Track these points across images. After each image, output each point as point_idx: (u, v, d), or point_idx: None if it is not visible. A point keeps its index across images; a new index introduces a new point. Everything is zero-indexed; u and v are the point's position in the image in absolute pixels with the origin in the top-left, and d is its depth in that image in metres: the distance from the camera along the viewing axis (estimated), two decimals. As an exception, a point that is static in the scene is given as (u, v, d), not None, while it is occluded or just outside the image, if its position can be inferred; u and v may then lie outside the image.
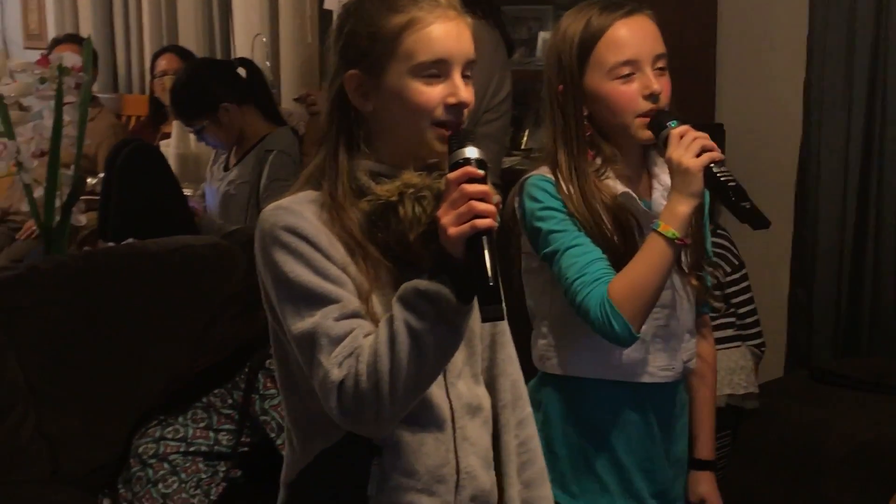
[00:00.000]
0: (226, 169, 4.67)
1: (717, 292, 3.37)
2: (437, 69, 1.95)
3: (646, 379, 2.47)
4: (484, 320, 1.87)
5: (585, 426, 2.51)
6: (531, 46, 5.13)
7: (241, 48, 5.97)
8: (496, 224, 1.82)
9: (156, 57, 5.89)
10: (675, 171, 2.31)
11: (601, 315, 2.32)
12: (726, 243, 3.84)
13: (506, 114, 4.18)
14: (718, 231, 3.82)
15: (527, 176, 2.47)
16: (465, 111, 1.96)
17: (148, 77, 6.16)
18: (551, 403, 2.52)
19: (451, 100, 1.94)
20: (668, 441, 2.55)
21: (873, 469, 3.45)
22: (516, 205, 2.48)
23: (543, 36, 4.99)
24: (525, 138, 5.16)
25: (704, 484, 2.63)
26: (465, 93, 1.96)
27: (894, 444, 3.42)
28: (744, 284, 3.88)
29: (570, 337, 2.48)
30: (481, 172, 1.83)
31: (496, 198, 1.84)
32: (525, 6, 4.77)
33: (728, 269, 3.77)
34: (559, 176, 2.42)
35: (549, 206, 2.41)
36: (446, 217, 1.82)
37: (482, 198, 1.80)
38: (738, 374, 3.69)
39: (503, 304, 1.85)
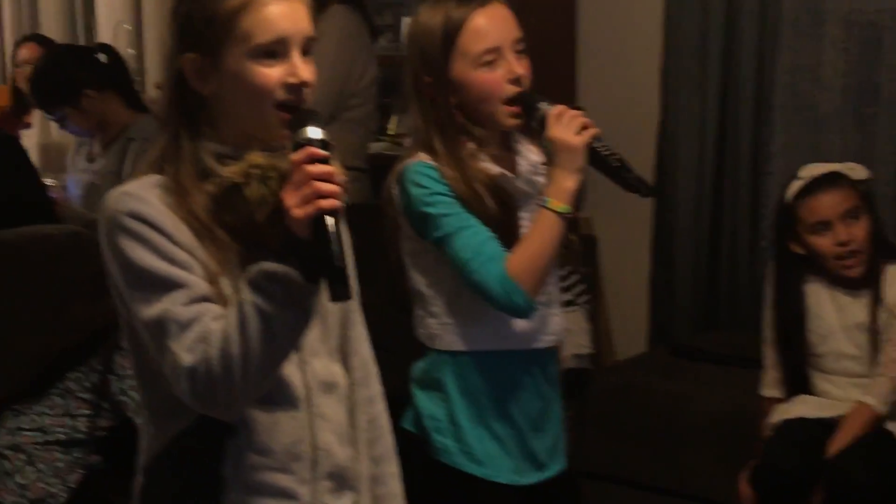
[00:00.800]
0: (90, 160, 4.59)
1: None
2: (275, 49, 1.93)
3: (540, 344, 2.57)
4: (332, 300, 1.88)
5: (485, 396, 2.57)
6: (396, 31, 5.16)
7: (104, 36, 5.91)
8: (342, 204, 1.82)
9: (16, 46, 5.79)
10: (559, 149, 2.40)
11: (502, 291, 2.40)
12: None
13: (371, 99, 4.20)
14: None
15: (405, 163, 2.52)
16: (307, 90, 1.96)
17: (10, 67, 6.06)
18: (449, 379, 2.58)
19: (291, 79, 1.93)
20: (553, 398, 2.66)
21: (730, 439, 3.55)
22: (395, 192, 2.52)
23: (407, 21, 5.02)
24: (393, 124, 5.19)
25: None
26: (305, 72, 1.95)
27: (750, 416, 3.48)
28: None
29: (465, 313, 2.53)
30: (325, 153, 1.83)
31: (342, 178, 1.85)
32: None
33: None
34: (439, 162, 2.48)
35: (435, 191, 2.46)
36: (291, 198, 1.82)
37: (326, 178, 1.81)
38: (578, 335, 3.80)
39: (350, 284, 1.87)
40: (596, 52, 4.65)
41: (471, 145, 2.51)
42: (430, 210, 2.47)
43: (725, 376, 3.81)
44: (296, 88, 1.94)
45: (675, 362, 4.07)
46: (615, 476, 3.81)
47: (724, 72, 4.25)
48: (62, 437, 3.14)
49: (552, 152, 2.44)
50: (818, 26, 4.06)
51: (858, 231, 3.28)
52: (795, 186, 3.37)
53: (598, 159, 2.40)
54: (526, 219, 2.53)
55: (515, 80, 2.46)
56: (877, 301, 3.32)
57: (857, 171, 3.38)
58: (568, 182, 2.40)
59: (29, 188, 4.11)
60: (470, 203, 2.46)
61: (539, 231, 2.43)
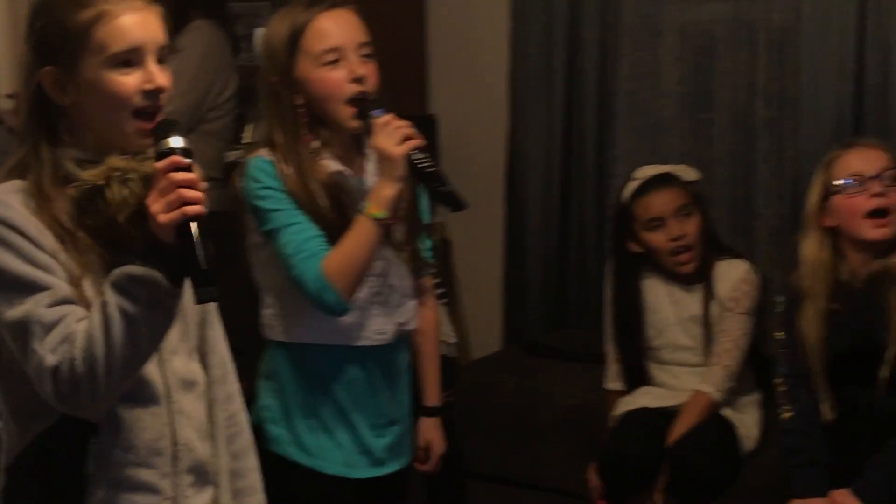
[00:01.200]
0: None
1: None
2: (130, 58, 1.96)
3: (363, 342, 2.60)
4: (198, 302, 1.92)
5: (316, 389, 2.62)
6: (250, 42, 5.18)
7: None
8: (204, 210, 1.86)
9: None
10: (381, 157, 2.48)
11: (316, 288, 2.46)
12: None
13: (230, 112, 4.21)
14: None
15: (248, 157, 2.58)
16: (163, 95, 1.98)
17: None
18: (283, 370, 2.63)
19: (148, 86, 1.96)
20: (393, 396, 2.70)
21: (580, 431, 3.62)
22: (240, 186, 2.57)
23: (260, 31, 5.04)
24: (248, 132, 5.20)
25: (431, 429, 2.84)
26: (161, 78, 1.98)
27: (599, 409, 3.58)
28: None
29: (294, 306, 2.58)
30: (188, 161, 1.87)
31: (203, 185, 1.89)
32: (244, 3, 4.82)
33: None
34: (277, 158, 2.53)
35: (268, 185, 2.52)
36: (156, 205, 1.84)
37: (190, 185, 1.84)
38: (445, 325, 3.82)
39: (215, 287, 1.89)
40: (446, 62, 4.69)
41: (314, 144, 2.57)
42: (262, 204, 2.52)
43: (576, 372, 3.87)
44: (152, 94, 1.97)
45: (528, 360, 4.12)
46: (471, 471, 3.81)
47: (569, 81, 4.30)
48: None
49: (377, 160, 2.52)
50: (655, 37, 4.14)
51: (690, 227, 3.40)
52: (631, 187, 3.49)
53: (416, 171, 2.47)
54: None
55: (357, 80, 2.52)
56: (709, 295, 3.43)
57: (687, 172, 3.52)
58: (387, 190, 2.46)
59: None
60: (301, 199, 2.51)
61: (355, 235, 2.48)
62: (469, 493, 3.81)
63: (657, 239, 3.43)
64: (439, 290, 3.99)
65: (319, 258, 2.48)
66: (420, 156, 2.47)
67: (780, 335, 3.20)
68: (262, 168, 2.54)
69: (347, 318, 2.58)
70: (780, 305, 3.23)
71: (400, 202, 2.54)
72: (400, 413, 2.73)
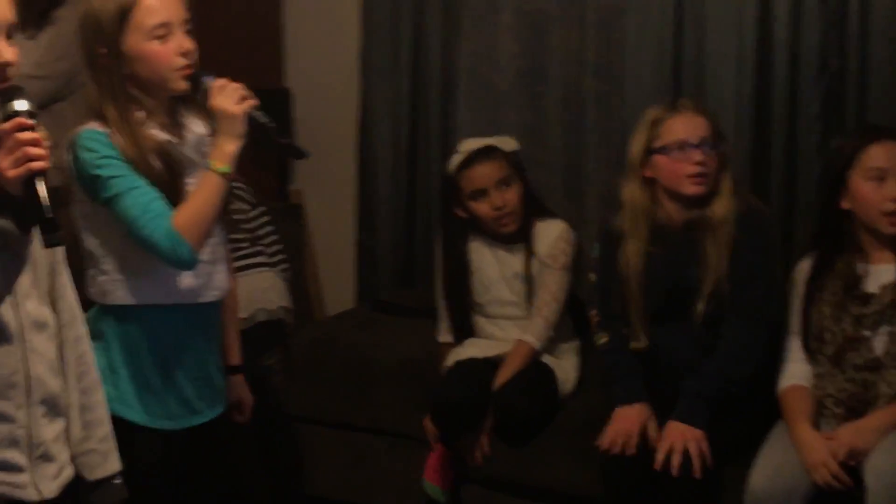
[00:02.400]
0: None
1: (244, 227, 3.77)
2: None
3: (205, 299, 2.72)
4: (46, 246, 2.05)
5: (144, 348, 2.69)
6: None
7: None
8: (48, 165, 1.98)
9: None
10: (221, 116, 2.56)
11: (169, 244, 2.53)
12: (241, 185, 4.08)
13: None
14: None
15: (76, 131, 2.61)
16: (11, 69, 2.05)
17: None
18: (111, 332, 2.68)
19: None
20: (210, 350, 2.80)
21: (418, 380, 3.76)
22: (68, 158, 2.60)
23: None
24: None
25: (240, 387, 2.97)
26: (8, 53, 2.05)
27: (434, 359, 3.74)
28: (263, 220, 4.14)
29: (135, 270, 2.65)
30: (32, 122, 1.98)
31: (47, 143, 2.00)
32: None
33: (248, 209, 4.08)
34: (110, 129, 2.58)
35: (105, 154, 2.56)
36: (4, 161, 1.96)
37: (34, 144, 1.96)
38: (269, 292, 3.95)
39: (60, 232, 2.01)
40: (300, 37, 4.74)
41: (140, 114, 2.62)
42: (101, 172, 2.56)
43: (417, 327, 3.98)
44: None
45: (375, 316, 4.23)
46: (321, 419, 3.93)
47: (415, 57, 4.40)
48: None
49: (216, 120, 2.59)
50: (494, 15, 4.22)
51: (511, 196, 3.56)
52: (456, 160, 3.63)
53: (257, 126, 2.58)
54: (191, 184, 2.63)
55: (185, 54, 2.60)
56: (529, 253, 3.60)
57: (507, 143, 3.67)
58: (229, 146, 2.56)
59: None
60: (138, 166, 2.57)
61: (202, 190, 2.57)
62: (316, 439, 3.93)
63: (481, 208, 3.58)
64: (279, 258, 4.10)
65: (167, 217, 2.53)
66: (258, 113, 2.57)
67: (593, 277, 3.44)
68: (97, 138, 2.57)
69: (194, 277, 2.66)
70: (595, 250, 3.44)
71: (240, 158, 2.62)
72: (215, 366, 2.82)
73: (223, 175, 2.57)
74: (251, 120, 2.58)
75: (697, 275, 3.25)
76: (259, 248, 4.08)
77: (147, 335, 2.71)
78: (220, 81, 2.59)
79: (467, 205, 3.62)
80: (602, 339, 3.39)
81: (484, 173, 3.58)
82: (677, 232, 3.30)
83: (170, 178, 2.61)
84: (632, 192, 3.31)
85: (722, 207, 3.23)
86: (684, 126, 3.24)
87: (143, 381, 2.72)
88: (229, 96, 2.57)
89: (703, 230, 3.25)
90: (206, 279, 2.71)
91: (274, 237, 4.18)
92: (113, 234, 2.63)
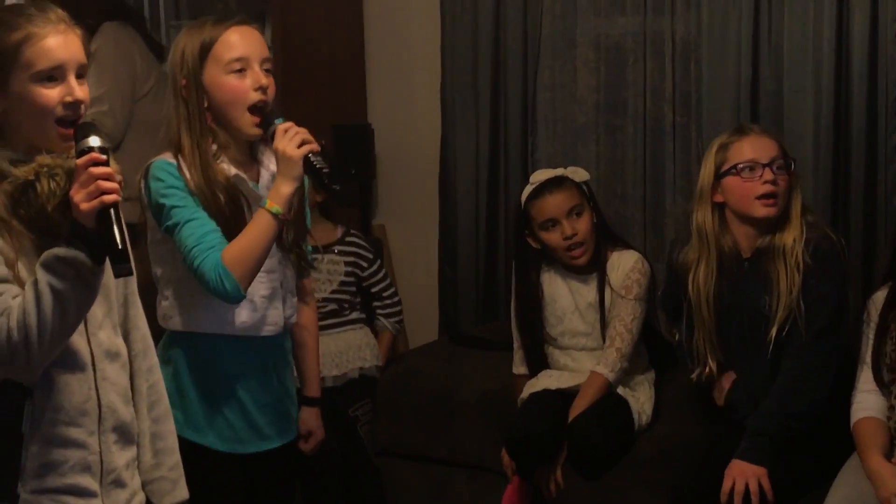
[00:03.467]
0: None
1: (352, 285, 3.89)
2: (53, 74, 2.11)
3: (262, 333, 2.76)
4: (116, 276, 2.13)
5: (209, 374, 2.75)
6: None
7: None
8: (120, 198, 2.05)
9: None
10: (281, 158, 2.60)
11: (215, 277, 2.56)
12: (359, 241, 4.15)
13: (157, 106, 3.99)
14: (351, 231, 4.17)
15: (151, 161, 2.69)
16: (82, 107, 2.15)
17: None
18: (179, 357, 2.75)
19: (69, 98, 2.12)
20: (279, 380, 2.85)
21: (496, 413, 3.75)
22: (142, 186, 2.69)
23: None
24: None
25: (312, 418, 2.99)
26: (80, 92, 2.15)
27: (514, 390, 3.73)
28: (382, 273, 4.19)
29: (192, 298, 2.70)
30: (104, 157, 2.06)
31: (119, 177, 2.07)
32: (184, 21, 4.92)
33: (366, 265, 4.13)
34: (181, 159, 2.65)
35: (170, 185, 2.63)
36: (78, 195, 2.03)
37: (106, 178, 2.03)
38: (364, 350, 3.99)
39: (131, 263, 2.10)
40: (382, 75, 4.80)
41: (214, 147, 2.68)
42: (165, 201, 2.62)
43: (495, 360, 3.97)
44: (72, 105, 2.13)
45: (456, 349, 4.26)
46: (402, 452, 3.96)
47: (494, 91, 4.42)
48: None
49: (277, 162, 2.63)
50: (572, 49, 4.27)
51: (581, 225, 3.56)
52: (527, 191, 3.63)
53: (312, 171, 2.61)
54: None
55: (260, 89, 2.66)
56: (603, 283, 3.59)
57: (578, 173, 3.66)
58: (285, 188, 2.59)
59: None
60: (202, 198, 2.62)
61: (254, 228, 2.59)
62: (396, 471, 3.95)
63: (552, 237, 3.58)
64: (396, 309, 4.16)
65: (218, 249, 2.57)
66: (316, 158, 2.60)
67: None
68: (166, 169, 2.64)
69: (244, 311, 2.69)
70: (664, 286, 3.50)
71: (295, 201, 2.69)
72: (284, 395, 2.87)
73: (275, 215, 2.60)
74: (307, 164, 2.61)
75: (769, 302, 3.24)
76: (357, 305, 4.12)
77: (212, 362, 2.77)
78: (286, 125, 2.64)
79: (539, 235, 3.63)
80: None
81: (554, 203, 3.58)
82: (747, 258, 3.30)
83: (232, 213, 2.67)
84: (702, 218, 3.32)
85: (792, 234, 3.22)
86: (752, 147, 3.25)
87: (211, 406, 2.78)
88: (291, 140, 2.61)
89: (773, 257, 3.24)
90: (262, 314, 2.75)
91: (392, 289, 4.22)
92: (175, 262, 2.69)
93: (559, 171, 3.67)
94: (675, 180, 4.19)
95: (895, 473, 2.96)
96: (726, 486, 3.10)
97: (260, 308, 2.74)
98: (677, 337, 3.51)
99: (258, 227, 2.61)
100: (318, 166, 2.62)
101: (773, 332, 3.24)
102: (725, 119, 3.97)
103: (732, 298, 3.31)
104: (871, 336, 3.16)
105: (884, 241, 3.75)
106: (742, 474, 3.10)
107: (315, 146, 2.64)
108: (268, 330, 2.78)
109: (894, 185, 3.75)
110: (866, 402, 3.15)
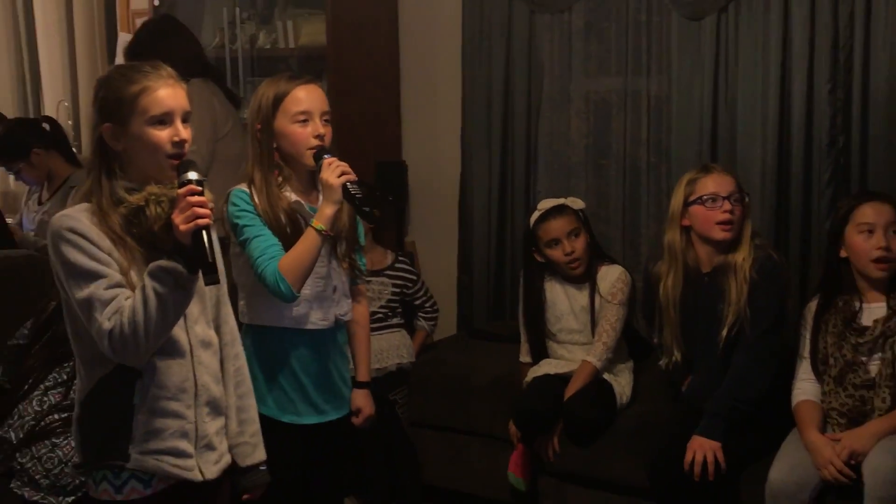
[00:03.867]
0: (39, 203, 4.67)
1: (396, 300, 3.90)
2: (164, 119, 2.16)
3: (309, 326, 2.75)
4: (206, 284, 2.16)
5: (274, 358, 2.77)
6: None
7: (48, 111, 5.88)
8: (211, 222, 2.09)
9: None
10: (324, 186, 2.64)
11: (274, 281, 2.60)
12: (406, 266, 4.14)
13: (235, 141, 4.12)
14: (400, 258, 4.15)
15: (231, 189, 2.73)
16: (186, 145, 2.19)
17: None
18: (251, 346, 2.74)
19: (176, 138, 2.17)
20: (334, 366, 2.83)
21: (505, 393, 3.73)
22: (224, 209, 2.70)
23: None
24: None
25: (362, 397, 2.96)
26: (185, 133, 2.18)
27: (519, 375, 3.74)
28: (423, 290, 4.17)
29: (259, 298, 2.72)
30: (200, 188, 2.09)
31: (211, 204, 2.10)
32: (259, 77, 4.93)
33: (411, 285, 4.11)
34: (252, 189, 2.69)
35: (243, 209, 2.67)
36: (178, 218, 2.07)
37: (201, 205, 2.07)
38: (402, 349, 3.97)
39: (219, 274, 2.13)
40: (415, 121, 4.77)
41: (280, 178, 2.71)
42: (238, 221, 2.67)
43: (504, 351, 3.95)
44: (179, 144, 2.18)
45: (471, 342, 4.24)
46: (429, 423, 3.95)
47: (504, 135, 4.37)
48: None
49: (321, 189, 2.65)
50: (567, 102, 4.24)
51: (578, 244, 3.56)
52: (535, 216, 3.63)
53: (349, 197, 2.62)
54: None
55: (318, 137, 2.68)
56: (594, 291, 3.60)
57: (576, 202, 3.65)
58: (327, 209, 2.61)
59: None
60: (267, 219, 2.65)
61: (303, 242, 2.61)
62: (424, 440, 3.94)
63: (555, 254, 3.57)
64: (434, 314, 4.14)
65: (277, 260, 2.60)
66: (352, 186, 2.61)
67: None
68: (240, 196, 2.68)
69: (298, 308, 2.68)
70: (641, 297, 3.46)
71: (339, 221, 2.69)
72: (338, 378, 2.85)
73: (319, 231, 2.61)
74: (345, 191, 2.62)
75: (722, 308, 3.23)
76: (398, 313, 4.09)
77: (274, 350, 2.76)
78: (331, 159, 2.65)
79: (544, 251, 3.62)
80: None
81: (557, 226, 3.57)
82: (706, 272, 3.28)
83: (291, 230, 2.67)
84: (671, 238, 3.31)
85: (742, 254, 3.22)
86: (715, 182, 3.24)
87: (275, 385, 2.77)
88: (333, 171, 2.62)
89: (727, 272, 3.23)
90: (308, 310, 2.74)
91: (432, 300, 4.20)
92: (248, 269, 2.70)
93: (560, 201, 3.67)
94: (648, 208, 4.17)
95: (828, 444, 2.96)
96: (688, 457, 3.09)
97: (311, 306, 2.73)
98: (656, 340, 3.47)
99: (306, 242, 2.63)
100: (353, 192, 2.63)
101: (724, 332, 3.22)
102: (690, 160, 3.95)
103: (694, 303, 3.29)
104: (807, 336, 3.16)
105: (817, 260, 3.73)
106: (701, 448, 3.08)
107: (353, 176, 2.64)
108: (316, 323, 2.76)
109: (826, 213, 3.72)
110: (804, 388, 3.16)
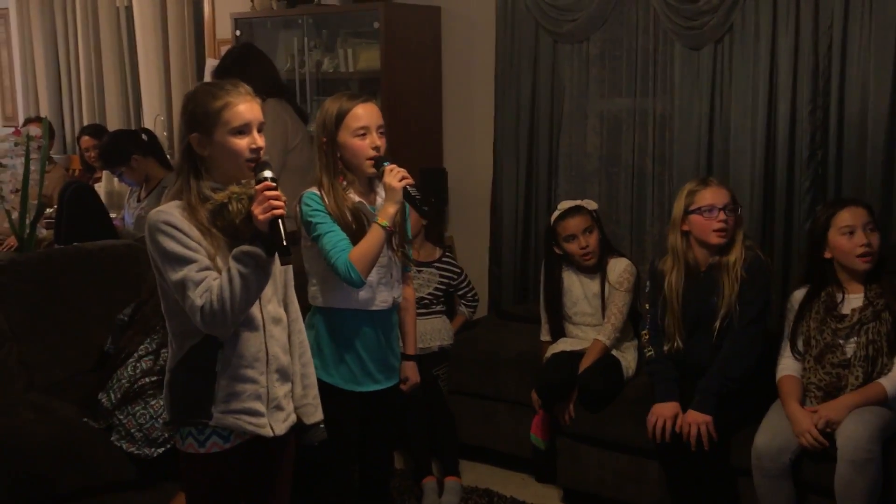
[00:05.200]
0: (138, 200, 4.69)
1: (442, 290, 3.85)
2: (243, 129, 2.17)
3: (374, 307, 2.71)
4: (282, 264, 2.13)
5: (339, 334, 2.72)
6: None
7: (147, 123, 5.98)
8: (285, 212, 2.08)
9: (79, 134, 5.84)
10: (387, 189, 2.61)
11: (346, 270, 2.57)
12: (451, 260, 4.12)
13: (303, 152, 4.11)
14: (446, 254, 4.13)
15: (304, 192, 2.69)
16: (262, 151, 2.18)
17: (76, 147, 6.11)
18: (320, 324, 2.73)
19: (253, 146, 2.17)
20: (388, 341, 2.80)
21: (528, 365, 3.72)
22: (297, 210, 2.68)
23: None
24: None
25: (409, 368, 2.91)
26: (261, 141, 2.18)
27: (539, 352, 3.72)
28: (467, 281, 4.15)
29: (329, 284, 2.68)
30: (274, 184, 2.09)
31: (284, 198, 2.10)
32: (324, 97, 4.96)
33: (454, 277, 4.09)
34: (322, 191, 2.66)
35: (315, 208, 2.63)
36: (257, 209, 2.08)
37: (275, 198, 2.07)
38: (443, 332, 3.94)
39: (291, 255, 2.12)
40: (455, 130, 4.75)
41: (344, 183, 2.68)
42: (312, 219, 2.62)
43: (528, 330, 3.93)
44: (256, 150, 2.18)
45: (500, 322, 4.21)
46: (465, 391, 3.89)
47: (530, 146, 4.34)
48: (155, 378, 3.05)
49: (385, 191, 2.63)
50: (584, 119, 4.21)
51: (592, 240, 3.53)
52: (555, 215, 3.61)
53: (409, 197, 2.59)
54: None
55: (375, 148, 2.64)
56: (604, 280, 3.57)
57: (590, 204, 3.62)
58: (390, 209, 2.58)
59: (99, 218, 4.29)
60: (336, 217, 2.61)
61: (370, 236, 2.58)
62: (460, 405, 3.91)
63: (571, 247, 3.55)
64: (440, 308, 4.05)
65: (347, 252, 2.57)
66: (412, 189, 2.58)
67: (647, 306, 3.37)
68: (312, 198, 2.64)
69: (363, 293, 2.66)
70: (647, 287, 3.39)
71: (398, 218, 2.66)
72: (389, 352, 2.80)
73: (383, 227, 2.58)
74: (405, 192, 2.59)
75: (716, 302, 3.19)
76: (442, 302, 4.06)
77: (341, 327, 2.73)
78: (392, 166, 2.62)
79: (562, 245, 3.59)
80: (649, 352, 3.31)
81: (574, 224, 3.55)
82: (703, 271, 3.25)
83: (356, 227, 2.64)
84: (674, 241, 3.27)
85: (733, 254, 3.18)
86: (712, 195, 3.20)
87: (339, 357, 2.73)
88: (394, 176, 2.59)
89: (720, 271, 3.19)
90: (373, 294, 2.71)
91: (473, 291, 4.16)
92: (319, 260, 2.67)
93: (577, 202, 3.64)
94: (652, 211, 4.12)
95: (807, 415, 2.92)
96: (685, 430, 3.06)
97: (375, 290, 2.71)
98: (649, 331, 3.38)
99: (373, 236, 2.60)
100: (413, 194, 2.61)
101: (717, 323, 3.19)
102: (689, 170, 3.91)
103: (692, 297, 3.25)
104: (791, 320, 3.12)
105: (798, 257, 3.68)
106: (695, 421, 3.05)
107: (411, 180, 2.62)
108: (380, 305, 2.74)
109: (806, 217, 3.66)
110: (787, 365, 3.11)
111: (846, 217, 3.00)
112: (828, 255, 3.05)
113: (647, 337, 3.34)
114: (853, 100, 3.56)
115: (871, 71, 3.51)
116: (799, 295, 3.14)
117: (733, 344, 3.12)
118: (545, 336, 3.75)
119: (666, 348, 3.29)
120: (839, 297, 3.03)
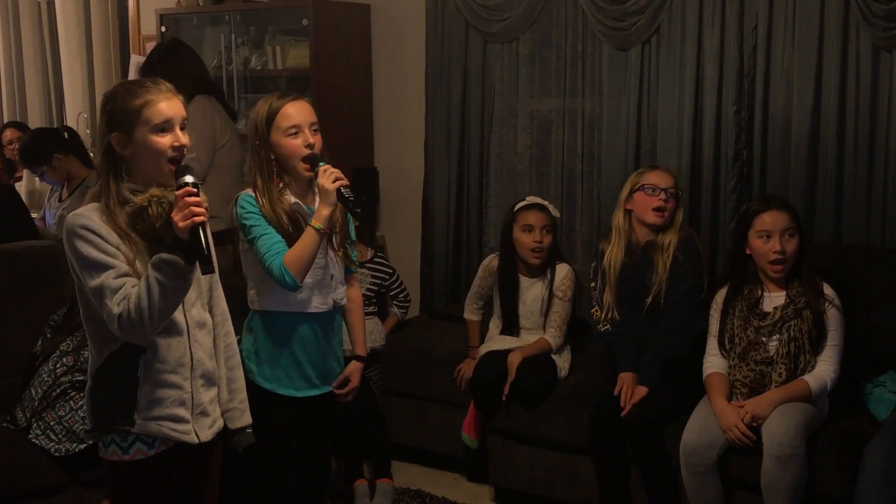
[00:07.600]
0: (60, 200, 4.61)
1: (376, 290, 3.79)
2: (165, 127, 2.10)
3: (311, 310, 2.67)
4: (203, 273, 2.09)
5: (277, 339, 2.67)
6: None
7: (70, 121, 5.85)
8: (206, 219, 2.02)
9: (2, 129, 5.67)
10: (320, 190, 2.56)
11: (280, 274, 2.54)
12: (383, 261, 4.07)
13: (231, 151, 4.00)
14: (378, 254, 4.08)
15: (239, 193, 2.64)
16: (185, 149, 2.12)
17: None
18: (258, 327, 2.70)
19: (176, 143, 2.11)
20: (329, 345, 2.74)
21: (459, 364, 3.69)
22: (233, 210, 2.63)
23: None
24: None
25: (355, 369, 2.83)
26: (183, 138, 2.13)
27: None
28: (399, 282, 4.09)
29: (266, 286, 2.64)
30: (195, 190, 2.03)
31: (205, 204, 2.04)
32: (253, 94, 4.90)
33: (387, 277, 4.04)
34: (257, 193, 2.61)
35: (250, 210, 2.59)
36: (176, 216, 2.01)
37: (197, 205, 2.01)
38: (374, 334, 3.87)
39: (214, 265, 2.07)
40: (386, 129, 4.71)
41: (280, 184, 2.63)
42: (246, 222, 2.59)
43: (459, 329, 3.88)
44: (179, 148, 2.12)
45: (431, 322, 4.21)
46: (396, 391, 3.87)
47: (461, 146, 4.35)
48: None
49: (318, 193, 2.58)
50: (514, 118, 4.21)
51: (547, 239, 3.52)
52: (521, 203, 3.58)
53: (342, 199, 2.54)
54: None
55: (309, 146, 2.60)
56: (548, 285, 3.56)
57: (555, 210, 3.61)
58: (323, 210, 2.53)
59: (20, 218, 4.23)
60: (271, 220, 2.58)
61: (303, 240, 2.54)
62: (392, 405, 3.88)
63: (525, 238, 3.51)
64: (406, 303, 4.04)
65: (281, 255, 2.53)
66: (345, 190, 2.54)
67: (593, 284, 3.42)
68: (247, 199, 2.61)
69: (300, 294, 2.62)
70: (594, 265, 3.44)
71: (333, 219, 2.61)
72: (331, 355, 2.75)
73: (317, 230, 2.54)
74: (339, 194, 2.55)
75: (649, 278, 3.27)
76: (375, 304, 4.02)
77: (278, 331, 2.68)
78: (325, 167, 2.58)
79: (517, 234, 3.55)
80: (605, 327, 3.35)
81: (536, 217, 3.53)
82: (641, 248, 3.32)
83: (293, 229, 2.61)
84: (617, 218, 3.36)
85: (669, 236, 3.28)
86: (657, 176, 3.31)
87: (276, 363, 2.68)
88: (328, 177, 2.55)
89: (656, 250, 3.28)
90: (309, 296, 2.66)
91: (405, 291, 4.12)
92: (255, 263, 2.63)
93: (545, 202, 3.62)
94: (581, 209, 4.14)
95: (734, 411, 2.95)
96: (618, 387, 3.18)
97: (312, 293, 2.66)
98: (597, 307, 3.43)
99: (307, 239, 2.56)
100: (346, 196, 2.56)
101: (649, 299, 3.27)
102: (618, 169, 3.93)
103: (629, 273, 3.32)
104: (717, 318, 3.15)
105: (722, 253, 3.72)
106: (629, 384, 3.18)
107: (345, 181, 2.57)
108: (318, 307, 2.68)
109: (731, 215, 3.72)
110: (713, 362, 3.14)
111: (766, 221, 3.05)
112: (748, 251, 3.09)
113: (597, 313, 3.37)
114: (777, 100, 3.62)
115: (794, 71, 3.57)
116: (723, 293, 3.17)
117: (671, 316, 3.23)
118: (471, 315, 3.76)
119: (601, 327, 3.35)
120: (759, 294, 3.06)
